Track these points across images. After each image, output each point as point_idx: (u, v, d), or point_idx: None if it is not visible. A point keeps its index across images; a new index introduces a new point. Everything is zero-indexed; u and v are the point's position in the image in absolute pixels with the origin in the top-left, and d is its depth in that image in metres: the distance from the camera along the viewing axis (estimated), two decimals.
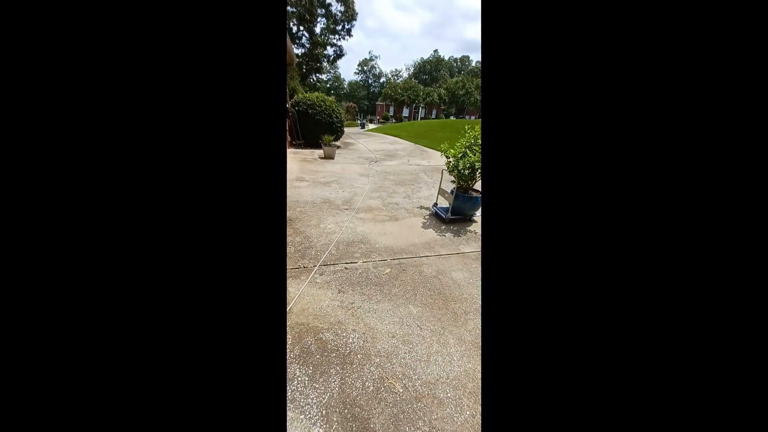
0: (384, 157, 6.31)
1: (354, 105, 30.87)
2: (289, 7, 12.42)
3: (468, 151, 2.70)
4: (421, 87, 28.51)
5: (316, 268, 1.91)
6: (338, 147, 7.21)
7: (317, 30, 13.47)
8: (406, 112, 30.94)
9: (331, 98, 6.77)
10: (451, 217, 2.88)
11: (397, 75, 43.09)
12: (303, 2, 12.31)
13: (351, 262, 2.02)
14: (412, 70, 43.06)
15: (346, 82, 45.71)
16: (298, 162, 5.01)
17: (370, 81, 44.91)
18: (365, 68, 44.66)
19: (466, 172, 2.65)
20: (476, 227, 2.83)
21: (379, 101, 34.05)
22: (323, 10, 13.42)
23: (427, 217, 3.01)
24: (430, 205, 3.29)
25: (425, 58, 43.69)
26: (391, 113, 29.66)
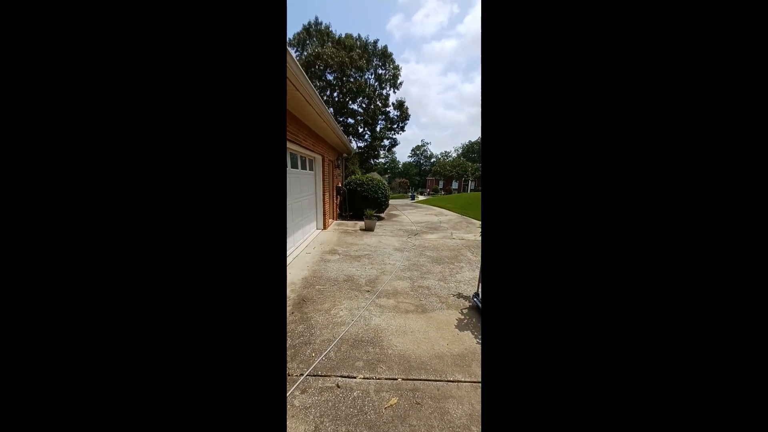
0: (425, 230, 6.08)
1: (406, 180, 34.37)
2: (358, 116, 16.33)
3: None
4: (470, 164, 30.18)
5: (300, 379, 1.48)
6: (382, 218, 7.47)
7: (377, 128, 16.92)
8: (455, 185, 32.22)
9: (378, 177, 7.54)
10: None
11: (446, 155, 47.87)
12: (369, 112, 16.15)
13: (348, 376, 1.52)
14: (460, 150, 47.35)
15: (401, 164, 52.94)
16: (338, 233, 5.22)
17: (421, 161, 50.98)
18: (418, 152, 51.70)
19: None
20: None
21: (429, 176, 37.10)
22: (383, 116, 17.14)
23: (465, 311, 2.34)
24: (471, 294, 2.63)
25: (473, 140, 48.16)
26: (441, 186, 31.29)
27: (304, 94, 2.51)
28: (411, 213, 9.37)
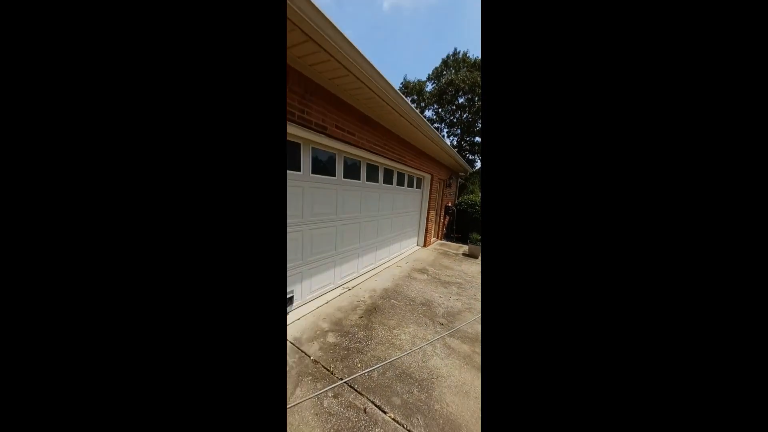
0: None
1: None
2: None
3: None
4: None
5: (338, 383, 1.51)
6: None
7: None
8: None
9: None
10: None
11: None
12: None
13: (379, 407, 1.38)
14: None
15: None
16: (437, 254, 5.01)
17: None
18: None
19: None
20: None
21: None
22: None
23: None
24: None
25: None
26: None
27: (410, 119, 2.72)
28: None
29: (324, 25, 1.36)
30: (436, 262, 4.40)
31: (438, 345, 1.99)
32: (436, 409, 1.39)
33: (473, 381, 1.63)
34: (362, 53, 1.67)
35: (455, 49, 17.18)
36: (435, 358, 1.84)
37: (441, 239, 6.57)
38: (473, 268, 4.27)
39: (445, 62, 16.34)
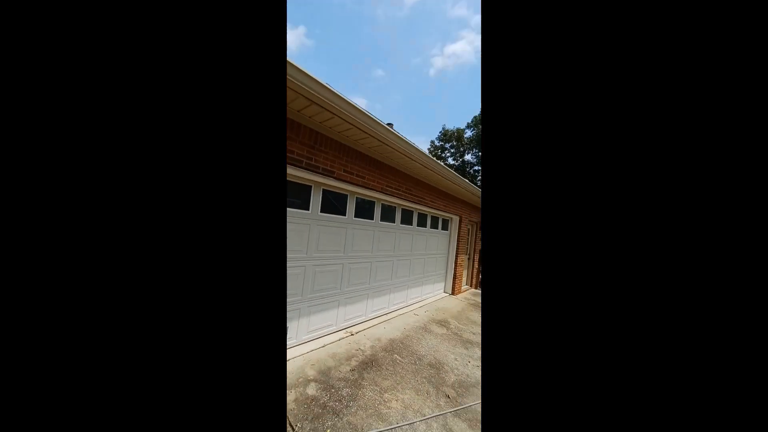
0: None
1: None
2: None
3: None
4: None
5: None
6: None
7: None
8: None
9: None
10: None
11: None
12: None
13: None
14: None
15: None
16: (466, 304, 4.38)
17: None
18: None
19: None
20: None
21: None
22: None
23: None
24: None
25: None
26: None
27: (423, 163, 2.80)
28: None
29: (321, 90, 1.62)
30: (462, 315, 3.82)
31: (435, 425, 1.58)
32: None
33: None
34: (362, 109, 1.89)
35: None
36: None
37: (476, 288, 5.80)
38: None
39: None
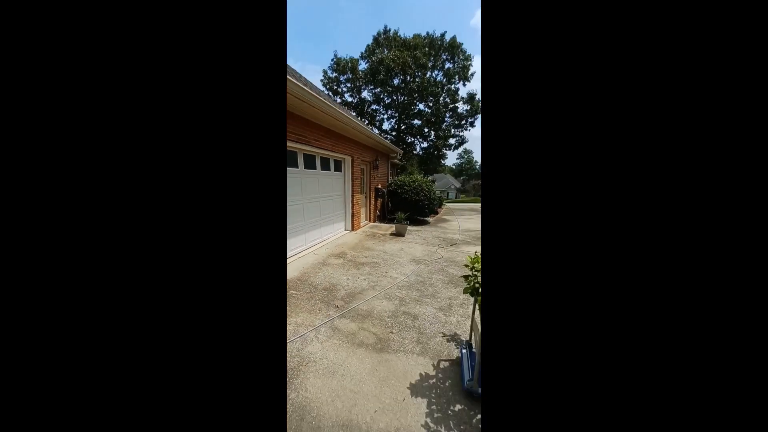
0: (468, 240, 5.02)
1: (479, 182, 30.79)
2: (424, 116, 15.75)
3: None
4: None
5: None
6: (427, 223, 6.78)
7: (443, 126, 15.77)
8: None
9: (420, 178, 6.86)
10: (479, 391, 1.33)
11: None
12: (434, 111, 15.31)
13: None
14: None
15: (478, 164, 47.94)
16: (363, 237, 5.01)
17: None
18: None
19: None
20: None
21: None
22: (451, 112, 15.84)
23: (444, 364, 1.60)
24: (465, 338, 1.80)
25: None
26: None
27: (300, 96, 2.43)
28: (466, 220, 8.12)
29: None
30: (359, 245, 4.38)
31: (323, 329, 1.93)
32: (291, 398, 1.31)
33: (347, 359, 1.62)
34: None
35: (386, 27, 16.77)
36: (314, 343, 1.77)
37: (375, 221, 6.63)
38: (395, 247, 4.41)
39: (376, 40, 15.84)
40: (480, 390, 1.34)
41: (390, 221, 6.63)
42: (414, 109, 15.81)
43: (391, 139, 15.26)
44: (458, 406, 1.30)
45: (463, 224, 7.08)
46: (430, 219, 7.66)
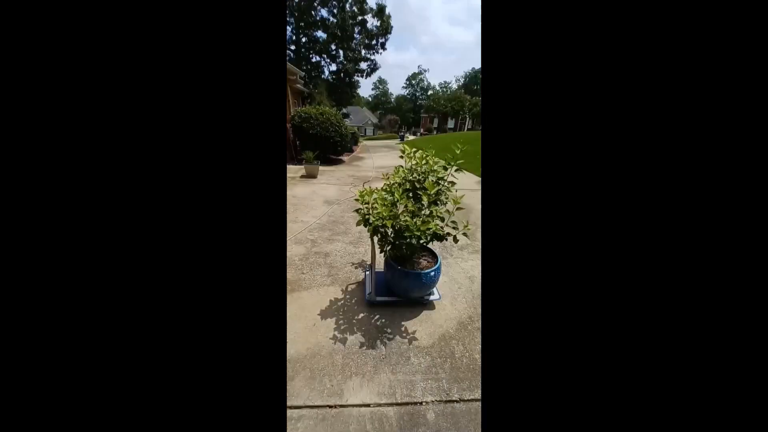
0: (380, 176, 5.29)
1: (396, 118, 30.92)
2: (328, 27, 12.81)
3: (405, 199, 1.40)
4: (468, 97, 26.63)
5: None
6: (341, 162, 6.53)
7: (352, 44, 13.59)
8: (451, 123, 29.30)
9: (331, 111, 6.15)
10: (378, 299, 1.66)
11: (446, 87, 41.95)
12: (339, 21, 12.60)
13: None
14: (462, 81, 41.30)
15: (394, 97, 46.68)
16: None
17: (417, 94, 44.84)
18: (413, 82, 44.96)
19: (413, 238, 1.30)
20: (425, 321, 1.53)
21: (423, 113, 33.45)
22: (359, 27, 13.52)
23: (352, 286, 1.85)
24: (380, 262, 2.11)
25: (477, 67, 41.59)
26: (436, 125, 28.51)
27: None
28: (381, 157, 8.33)
29: None
30: None
31: None
32: None
33: None
34: None
35: None
36: None
37: (289, 163, 5.82)
38: (306, 190, 4.15)
39: None
40: (377, 298, 1.66)
41: (300, 162, 6.00)
42: (316, 15, 12.54)
43: (288, 55, 12.16)
44: (361, 315, 1.60)
45: (377, 161, 7.26)
46: (345, 158, 7.41)
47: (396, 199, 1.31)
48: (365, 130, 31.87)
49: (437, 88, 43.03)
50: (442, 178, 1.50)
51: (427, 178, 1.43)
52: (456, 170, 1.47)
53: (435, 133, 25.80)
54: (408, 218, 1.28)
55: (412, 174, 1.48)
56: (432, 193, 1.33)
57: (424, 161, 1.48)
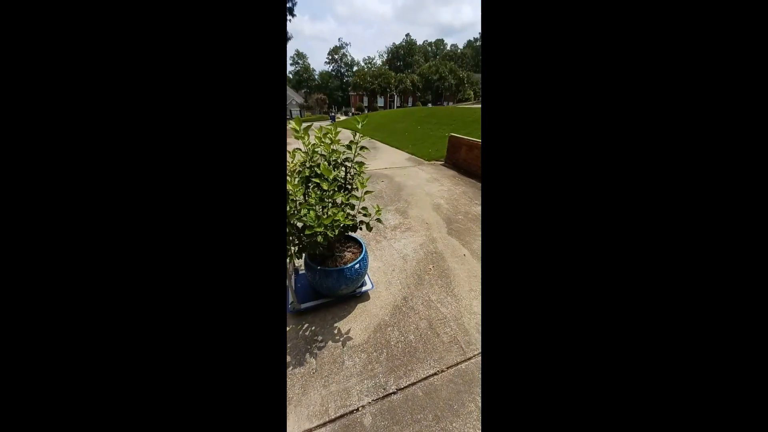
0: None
1: (324, 97, 28.69)
2: None
3: (303, 189, 1.15)
4: (393, 74, 26.65)
5: None
6: None
7: None
8: (381, 101, 29.12)
9: None
10: (303, 307, 1.45)
11: (370, 63, 40.78)
12: None
13: None
14: (385, 56, 40.83)
15: (317, 73, 42.83)
16: None
17: (342, 70, 42.27)
18: (336, 56, 41.99)
19: (318, 235, 1.08)
20: (360, 315, 1.42)
21: (351, 92, 32.10)
22: None
23: None
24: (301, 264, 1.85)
25: (398, 43, 41.59)
26: (365, 104, 27.80)
27: None
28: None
29: None
30: None
31: None
32: None
33: None
34: None
35: None
36: None
37: None
38: None
39: None
40: (301, 306, 1.45)
41: None
42: None
43: None
44: (286, 329, 1.38)
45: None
46: None
47: (292, 191, 1.07)
48: (290, 111, 28.62)
49: (362, 63, 41.42)
50: (348, 159, 1.32)
51: (322, 162, 1.22)
52: (361, 148, 1.30)
53: (366, 111, 25.22)
54: (308, 211, 1.07)
55: (311, 158, 1.24)
56: (331, 178, 1.14)
57: (321, 142, 1.25)
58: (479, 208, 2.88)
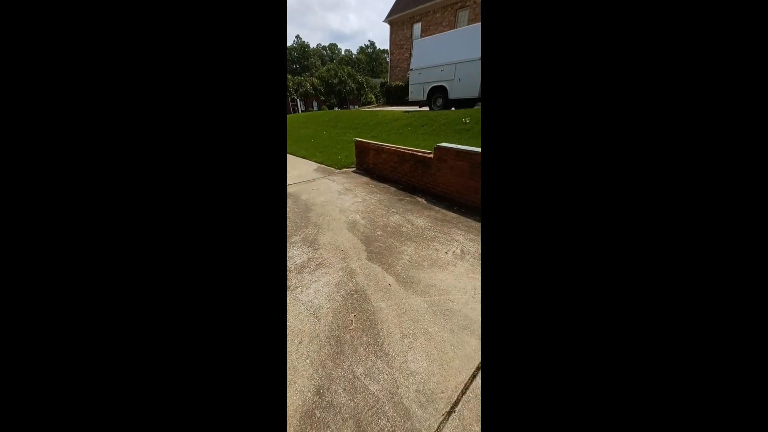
0: None
1: None
2: None
3: None
4: (289, 76, 24.85)
5: None
6: None
7: None
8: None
9: None
10: None
11: None
12: None
13: None
14: None
15: None
16: None
17: None
18: None
19: None
20: None
21: None
22: None
23: None
24: None
25: (288, 45, 39.32)
26: None
27: None
28: None
29: None
30: None
31: None
32: None
33: None
34: None
35: None
36: None
37: None
38: None
39: None
40: None
41: None
42: None
43: None
44: None
45: None
46: None
47: None
48: None
49: None
50: None
51: None
52: None
53: None
54: None
55: None
56: None
57: None
58: (397, 217, 2.66)
